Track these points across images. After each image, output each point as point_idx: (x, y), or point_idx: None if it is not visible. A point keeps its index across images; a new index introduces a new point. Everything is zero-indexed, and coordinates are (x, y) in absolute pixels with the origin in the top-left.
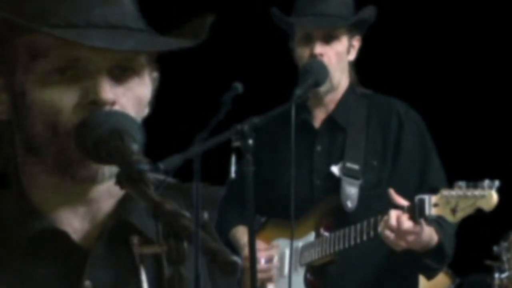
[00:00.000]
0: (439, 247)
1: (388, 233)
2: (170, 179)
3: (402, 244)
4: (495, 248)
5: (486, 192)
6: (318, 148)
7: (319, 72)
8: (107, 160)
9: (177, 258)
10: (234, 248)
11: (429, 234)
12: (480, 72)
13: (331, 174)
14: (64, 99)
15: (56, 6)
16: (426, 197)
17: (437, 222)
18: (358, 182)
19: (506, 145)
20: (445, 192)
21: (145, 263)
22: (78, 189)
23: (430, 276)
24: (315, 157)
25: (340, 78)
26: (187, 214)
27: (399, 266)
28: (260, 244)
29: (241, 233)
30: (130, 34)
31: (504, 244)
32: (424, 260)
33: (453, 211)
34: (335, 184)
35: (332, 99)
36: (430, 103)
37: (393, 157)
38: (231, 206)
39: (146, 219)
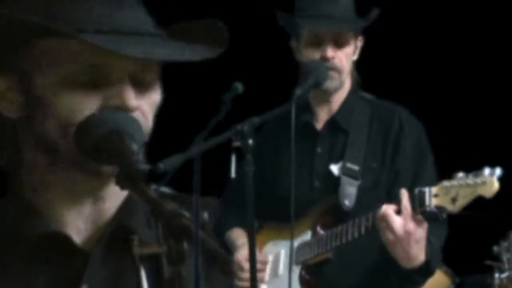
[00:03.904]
0: (426, 264)
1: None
2: (168, 190)
3: (390, 237)
4: (495, 248)
5: (487, 179)
6: (319, 149)
7: (320, 72)
8: (107, 160)
9: (177, 258)
10: (228, 249)
11: (418, 252)
12: (477, 71)
13: (331, 176)
14: (86, 103)
15: (80, 11)
16: (426, 188)
17: (427, 238)
18: (357, 183)
19: (505, 144)
20: (446, 183)
21: (145, 264)
22: (91, 186)
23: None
24: (316, 159)
25: (346, 78)
26: (187, 214)
27: (395, 267)
28: (245, 254)
29: (236, 235)
30: (156, 41)
31: (504, 244)
32: (412, 274)
33: (453, 200)
34: (334, 185)
35: (337, 98)
36: (427, 101)
37: (391, 159)
38: (229, 208)
39: (144, 225)
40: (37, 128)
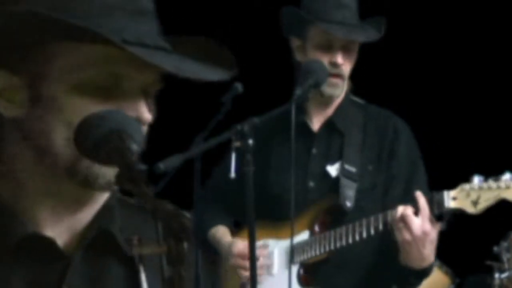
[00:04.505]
0: (430, 267)
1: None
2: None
3: (407, 237)
4: (495, 248)
5: (510, 184)
6: (314, 150)
7: (319, 72)
8: (107, 160)
9: (177, 258)
10: (212, 246)
11: (430, 252)
12: (476, 76)
13: (326, 176)
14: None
15: (102, 18)
16: (444, 191)
17: None
18: (355, 185)
19: (503, 149)
20: (465, 185)
21: (144, 264)
22: (74, 195)
23: None
24: (311, 159)
25: (346, 83)
26: (187, 214)
27: (392, 268)
28: (245, 244)
29: (222, 233)
30: (175, 56)
31: (504, 244)
32: (409, 276)
33: (474, 203)
34: (329, 186)
35: (335, 102)
36: (423, 105)
37: (387, 163)
38: (212, 205)
39: (118, 231)
40: (37, 130)
